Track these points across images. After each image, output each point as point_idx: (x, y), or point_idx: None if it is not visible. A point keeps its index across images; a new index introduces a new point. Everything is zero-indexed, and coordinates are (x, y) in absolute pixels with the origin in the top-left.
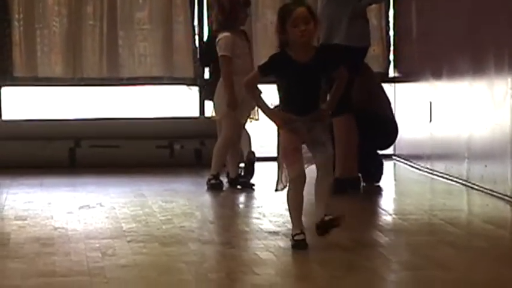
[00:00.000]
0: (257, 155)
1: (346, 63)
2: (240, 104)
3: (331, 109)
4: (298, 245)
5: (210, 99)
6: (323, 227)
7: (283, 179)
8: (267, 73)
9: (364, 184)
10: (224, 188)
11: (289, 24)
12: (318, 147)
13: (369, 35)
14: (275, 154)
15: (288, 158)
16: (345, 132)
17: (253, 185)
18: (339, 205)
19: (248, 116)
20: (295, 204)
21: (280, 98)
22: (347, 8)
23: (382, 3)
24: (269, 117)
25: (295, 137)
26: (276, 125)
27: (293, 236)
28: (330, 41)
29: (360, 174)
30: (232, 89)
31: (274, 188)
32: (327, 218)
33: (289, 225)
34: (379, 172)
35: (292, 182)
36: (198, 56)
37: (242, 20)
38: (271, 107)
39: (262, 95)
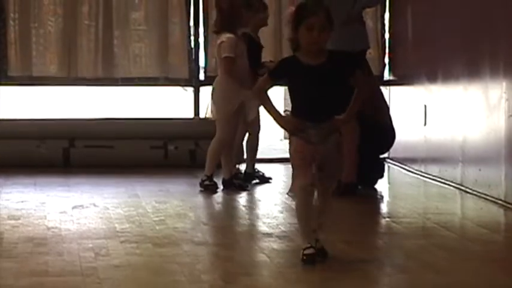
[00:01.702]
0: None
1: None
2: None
3: (349, 119)
4: (307, 260)
5: None
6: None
7: (293, 187)
8: (277, 77)
9: (360, 187)
10: (218, 190)
11: (303, 26)
12: (324, 174)
13: (365, 38)
14: (267, 156)
15: (297, 167)
16: (346, 138)
17: (247, 186)
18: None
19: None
20: (302, 216)
21: (292, 104)
22: (341, 13)
23: (377, 6)
24: (280, 124)
25: (307, 146)
26: (288, 132)
27: (303, 250)
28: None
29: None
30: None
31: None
32: (319, 245)
33: (283, 227)
34: (378, 176)
35: (299, 193)
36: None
37: (244, 22)
38: (283, 114)
39: (272, 101)
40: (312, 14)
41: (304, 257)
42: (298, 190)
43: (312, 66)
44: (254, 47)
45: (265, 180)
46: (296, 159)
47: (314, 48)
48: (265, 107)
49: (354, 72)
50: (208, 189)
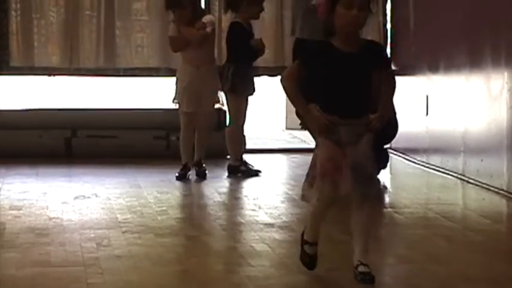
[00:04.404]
0: (253, 146)
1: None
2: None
3: (386, 118)
4: (304, 263)
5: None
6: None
7: (311, 194)
8: (311, 64)
9: None
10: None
11: (340, 5)
12: (358, 183)
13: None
14: (269, 146)
15: (325, 173)
16: None
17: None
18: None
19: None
20: (315, 225)
21: (320, 96)
22: (303, 2)
23: None
24: (308, 121)
25: (338, 150)
26: (318, 130)
27: (302, 245)
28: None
29: None
30: None
31: (300, 195)
32: (361, 269)
33: (285, 218)
34: (381, 166)
35: (319, 202)
36: None
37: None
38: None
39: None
40: None
41: (302, 253)
42: (318, 199)
43: (349, 54)
44: (247, 36)
45: (253, 173)
46: (325, 166)
47: (352, 29)
48: (291, 99)
49: (390, 66)
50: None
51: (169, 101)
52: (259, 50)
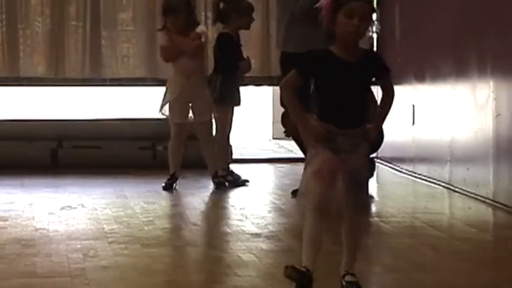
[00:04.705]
0: (240, 156)
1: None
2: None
3: (380, 128)
4: (289, 274)
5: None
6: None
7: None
8: (308, 73)
9: None
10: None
11: (342, 13)
12: (350, 190)
13: (312, 40)
14: (256, 156)
15: (318, 180)
16: None
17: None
18: None
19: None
20: (308, 237)
21: (319, 106)
22: (286, 13)
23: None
24: (306, 131)
25: (335, 158)
26: (315, 140)
27: (292, 267)
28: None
29: None
30: None
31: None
32: (347, 279)
33: (272, 227)
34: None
35: (312, 213)
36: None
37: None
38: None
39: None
40: None
41: (288, 271)
42: (313, 209)
43: (349, 63)
44: (235, 47)
45: (240, 183)
46: (320, 166)
47: (352, 38)
48: (289, 108)
49: (388, 76)
50: (221, 185)
51: (156, 111)
52: (246, 70)
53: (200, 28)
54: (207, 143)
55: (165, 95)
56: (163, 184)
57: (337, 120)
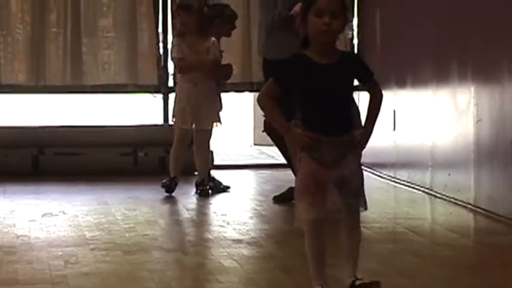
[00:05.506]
0: (221, 162)
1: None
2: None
3: (370, 133)
4: None
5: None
6: None
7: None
8: (284, 81)
9: None
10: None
11: (311, 13)
12: (346, 195)
13: (293, 47)
14: (237, 162)
15: (306, 194)
16: None
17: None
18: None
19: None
20: (312, 254)
21: (301, 113)
22: (267, 19)
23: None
24: (289, 139)
25: (321, 169)
26: (299, 148)
27: None
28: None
29: None
30: None
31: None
32: (358, 283)
33: (253, 233)
34: None
35: (308, 226)
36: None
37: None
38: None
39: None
40: None
41: None
42: (308, 225)
43: (326, 65)
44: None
45: (221, 189)
46: (306, 186)
47: (325, 38)
48: (270, 117)
49: (371, 76)
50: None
51: (137, 118)
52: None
53: (212, 41)
54: (201, 150)
55: (174, 103)
56: (164, 181)
57: (321, 127)
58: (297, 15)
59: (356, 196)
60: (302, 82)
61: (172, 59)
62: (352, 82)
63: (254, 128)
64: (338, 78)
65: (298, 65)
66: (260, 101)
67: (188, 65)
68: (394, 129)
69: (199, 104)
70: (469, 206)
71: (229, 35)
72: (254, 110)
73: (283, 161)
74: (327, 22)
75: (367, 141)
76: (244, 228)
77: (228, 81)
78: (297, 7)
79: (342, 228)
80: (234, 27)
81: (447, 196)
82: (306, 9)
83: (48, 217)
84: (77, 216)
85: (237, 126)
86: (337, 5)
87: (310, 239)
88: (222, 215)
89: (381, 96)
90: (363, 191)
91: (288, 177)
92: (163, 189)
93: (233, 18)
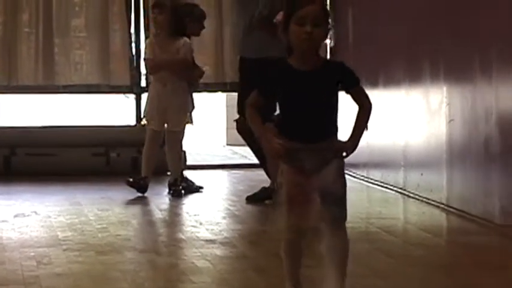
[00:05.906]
0: (194, 162)
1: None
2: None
3: (357, 143)
4: None
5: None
6: None
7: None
8: (267, 90)
9: None
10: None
11: (293, 21)
12: (327, 204)
13: (269, 46)
14: (210, 162)
15: (293, 203)
16: None
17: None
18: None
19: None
20: (289, 257)
21: (281, 120)
22: (245, 19)
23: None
24: (266, 148)
25: (301, 177)
26: (276, 157)
27: None
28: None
29: None
30: None
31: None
32: None
33: (226, 234)
34: None
35: (289, 234)
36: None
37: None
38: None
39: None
40: (302, 4)
41: None
42: (287, 231)
43: (306, 72)
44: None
45: (194, 189)
46: (292, 195)
47: (306, 46)
48: (251, 124)
49: (356, 84)
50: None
51: (109, 118)
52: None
53: (183, 42)
54: (172, 150)
55: (146, 103)
56: (130, 180)
57: (301, 135)
58: (279, 24)
59: (338, 208)
60: (280, 89)
61: (144, 59)
62: (336, 89)
63: (227, 128)
64: (316, 85)
65: (280, 74)
66: (247, 110)
67: (157, 64)
68: (367, 129)
69: (169, 104)
70: (442, 205)
71: (198, 35)
72: (227, 111)
73: (256, 161)
74: (307, 31)
75: (352, 151)
76: (217, 229)
77: (201, 81)
78: (279, 15)
79: (325, 240)
80: (203, 27)
81: (420, 196)
82: (288, 18)
83: (20, 218)
84: (49, 216)
85: (210, 127)
86: (319, 13)
87: (289, 246)
88: (195, 215)
89: (369, 107)
90: (345, 203)
91: (261, 177)
92: (135, 190)
93: (202, 18)
